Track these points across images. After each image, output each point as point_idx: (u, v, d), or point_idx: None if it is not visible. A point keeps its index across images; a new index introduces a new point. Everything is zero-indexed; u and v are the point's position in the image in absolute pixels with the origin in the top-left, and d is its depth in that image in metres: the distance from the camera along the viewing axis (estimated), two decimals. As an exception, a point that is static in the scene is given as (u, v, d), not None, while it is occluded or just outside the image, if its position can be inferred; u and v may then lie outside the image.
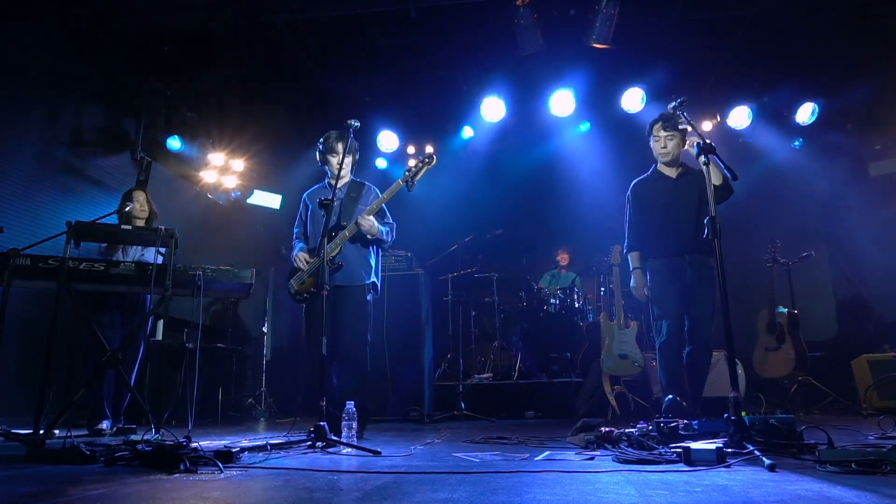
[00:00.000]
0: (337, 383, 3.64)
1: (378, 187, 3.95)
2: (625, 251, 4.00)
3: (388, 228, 3.80)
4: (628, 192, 3.96)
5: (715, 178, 3.20)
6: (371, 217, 3.62)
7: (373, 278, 3.80)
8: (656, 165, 3.90)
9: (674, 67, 6.14)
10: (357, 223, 3.59)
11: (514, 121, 6.95)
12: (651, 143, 3.85)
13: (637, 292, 3.85)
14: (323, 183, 3.98)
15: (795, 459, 2.26)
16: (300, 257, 3.73)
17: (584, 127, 7.06)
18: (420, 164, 3.70)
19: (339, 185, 3.67)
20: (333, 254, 3.60)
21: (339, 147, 3.75)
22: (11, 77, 4.62)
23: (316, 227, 3.82)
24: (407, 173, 3.68)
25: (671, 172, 3.82)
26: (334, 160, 3.74)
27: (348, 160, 3.75)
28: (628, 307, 5.36)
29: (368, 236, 3.66)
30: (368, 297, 3.76)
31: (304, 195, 4.03)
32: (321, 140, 3.82)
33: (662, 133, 3.74)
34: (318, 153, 3.85)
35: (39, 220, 4.68)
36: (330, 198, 3.34)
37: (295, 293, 3.73)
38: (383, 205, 3.76)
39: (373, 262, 3.82)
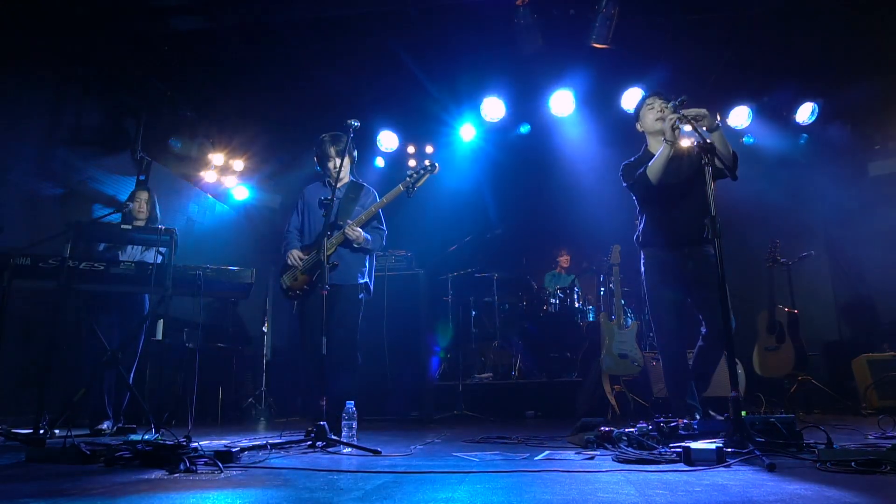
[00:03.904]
0: (331, 382, 3.62)
1: (377, 189, 3.98)
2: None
3: (377, 236, 3.81)
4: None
5: (719, 144, 3.01)
6: (358, 228, 3.63)
7: (366, 279, 3.83)
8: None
9: (674, 67, 6.12)
10: (344, 232, 3.60)
11: (514, 121, 6.95)
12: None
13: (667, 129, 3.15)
14: (323, 181, 3.97)
15: (795, 459, 2.26)
16: (294, 255, 3.74)
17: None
18: (422, 171, 3.68)
19: (338, 186, 3.68)
20: (329, 253, 3.59)
21: (334, 150, 3.75)
22: (11, 77, 4.61)
23: (311, 223, 3.84)
24: (408, 179, 3.67)
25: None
26: (330, 163, 3.76)
27: (346, 161, 3.71)
28: (628, 307, 5.37)
29: (354, 245, 3.67)
30: (361, 297, 3.78)
31: (305, 189, 4.03)
32: (318, 142, 3.83)
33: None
34: (315, 155, 3.87)
35: (39, 220, 4.67)
36: (329, 197, 3.36)
37: (287, 289, 3.74)
38: (379, 210, 3.78)
39: (367, 264, 3.86)
